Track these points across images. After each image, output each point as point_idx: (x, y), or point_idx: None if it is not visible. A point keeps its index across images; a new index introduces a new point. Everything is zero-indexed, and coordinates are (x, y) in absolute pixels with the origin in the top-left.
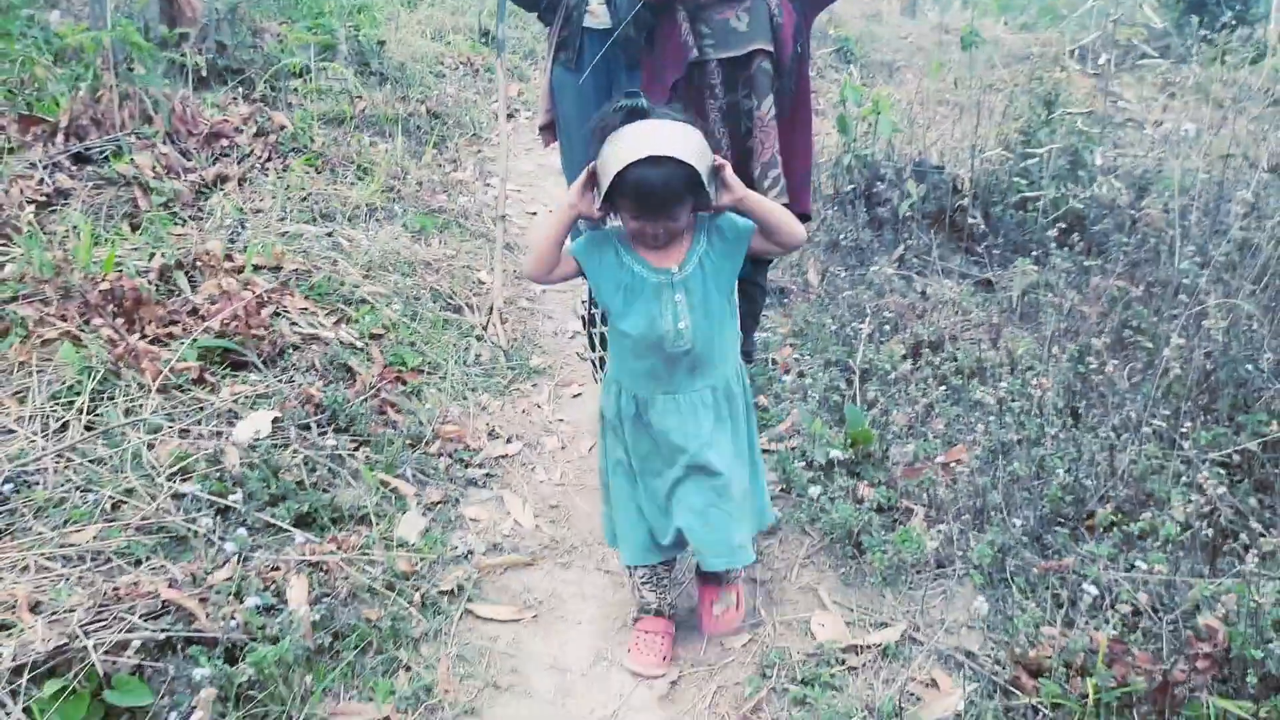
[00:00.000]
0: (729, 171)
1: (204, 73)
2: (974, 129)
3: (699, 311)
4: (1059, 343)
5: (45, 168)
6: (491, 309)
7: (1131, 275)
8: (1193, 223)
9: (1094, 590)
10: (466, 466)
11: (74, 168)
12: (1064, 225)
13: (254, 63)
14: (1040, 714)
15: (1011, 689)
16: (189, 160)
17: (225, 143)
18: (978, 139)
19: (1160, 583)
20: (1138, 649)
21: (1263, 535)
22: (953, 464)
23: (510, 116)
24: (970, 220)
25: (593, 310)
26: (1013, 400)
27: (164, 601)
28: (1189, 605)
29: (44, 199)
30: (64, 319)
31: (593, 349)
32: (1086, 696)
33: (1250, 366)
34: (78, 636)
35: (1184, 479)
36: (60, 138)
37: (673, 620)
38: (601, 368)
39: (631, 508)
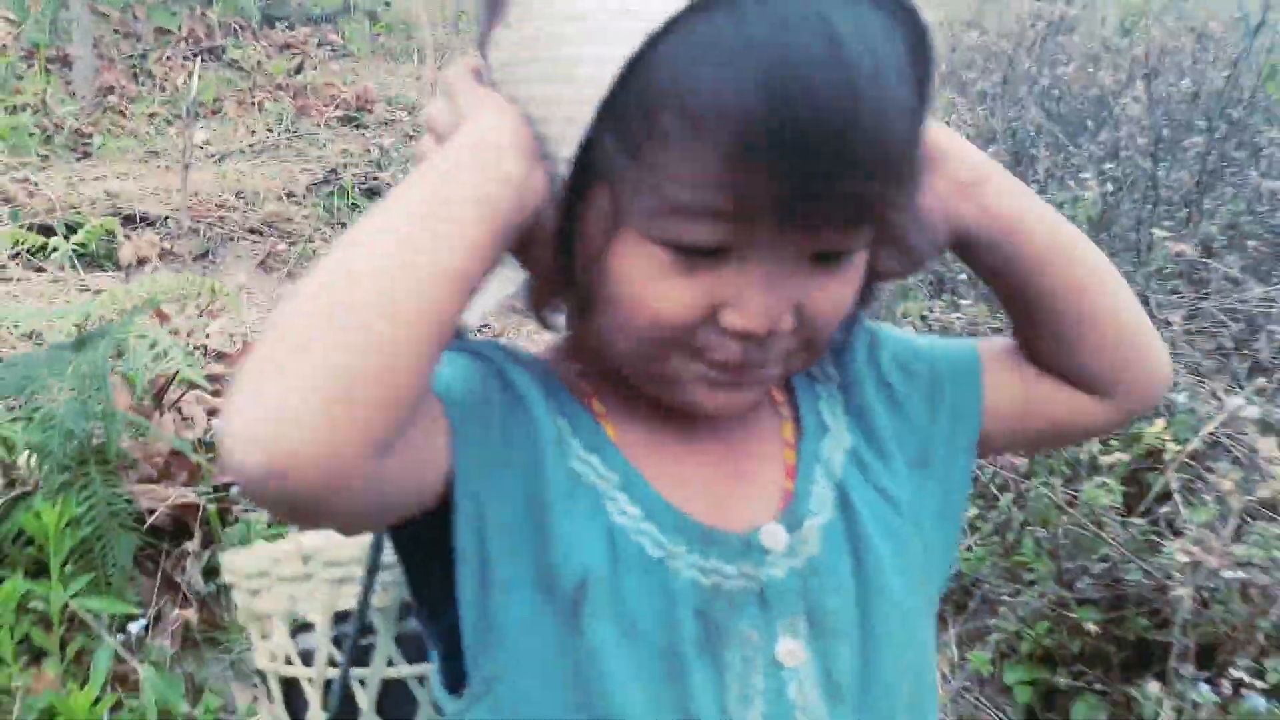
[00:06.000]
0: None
1: (257, 18)
2: None
3: (853, 694)
4: None
5: (183, 57)
6: None
7: None
8: None
9: None
10: None
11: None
12: None
13: (290, 14)
14: None
15: None
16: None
17: (294, 49)
18: None
19: None
20: None
21: None
22: None
23: None
24: None
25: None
26: None
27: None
28: None
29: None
30: (258, 94)
31: None
32: None
33: None
34: (334, 170)
35: None
36: (184, 43)
37: None
38: None
39: None
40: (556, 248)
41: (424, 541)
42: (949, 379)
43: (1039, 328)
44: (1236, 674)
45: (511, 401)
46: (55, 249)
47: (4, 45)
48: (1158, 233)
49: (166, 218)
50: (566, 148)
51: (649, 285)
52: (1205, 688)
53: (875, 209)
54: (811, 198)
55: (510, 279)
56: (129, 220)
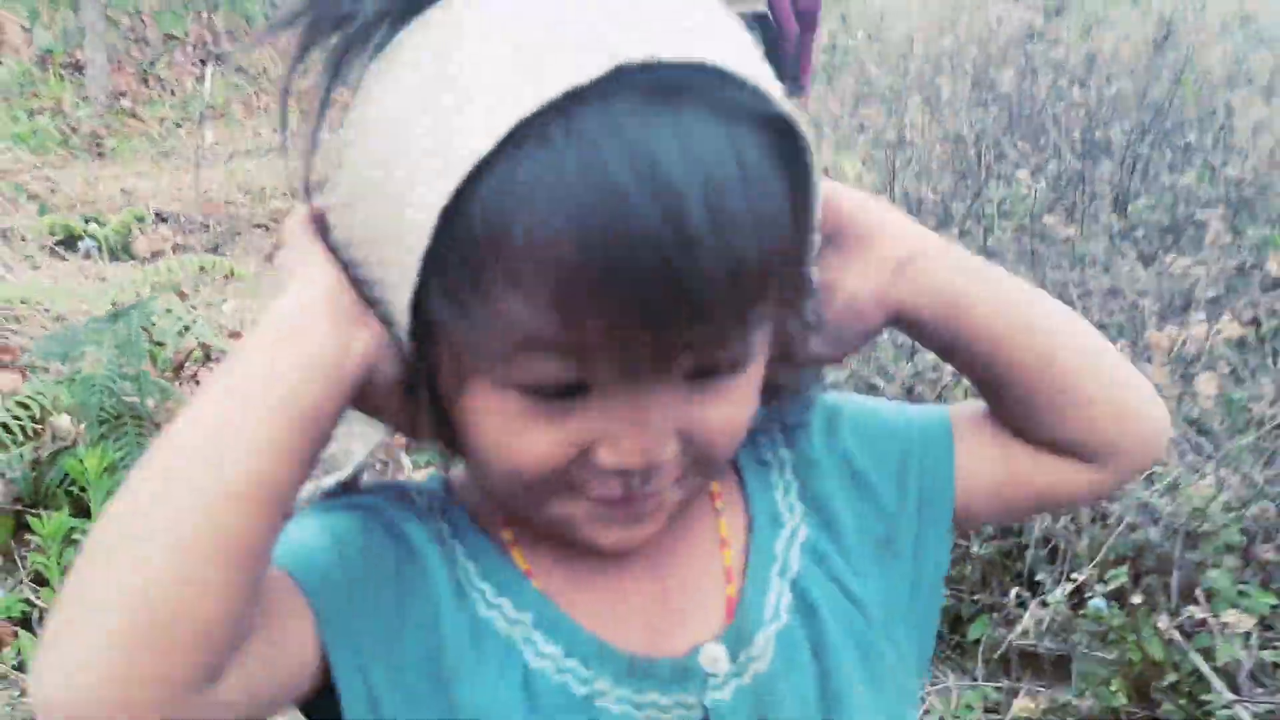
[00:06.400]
0: (840, 195)
1: (261, 26)
2: None
3: None
4: None
5: (191, 63)
6: None
7: None
8: None
9: None
10: None
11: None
12: None
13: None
14: None
15: None
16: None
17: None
18: None
19: None
20: None
21: None
22: None
23: None
24: None
25: None
26: None
27: None
28: None
29: (198, 75)
30: (263, 97)
31: None
32: None
33: None
34: None
35: None
36: (190, 48)
37: None
38: None
39: None
40: (404, 402)
41: (321, 706)
42: (918, 456)
43: (1011, 403)
44: (1080, 578)
45: (403, 556)
46: (91, 236)
47: (17, 50)
48: (1049, 219)
49: (179, 215)
50: (400, 299)
51: (508, 434)
52: (1059, 591)
53: (730, 330)
54: (651, 331)
55: (373, 429)
56: (140, 219)
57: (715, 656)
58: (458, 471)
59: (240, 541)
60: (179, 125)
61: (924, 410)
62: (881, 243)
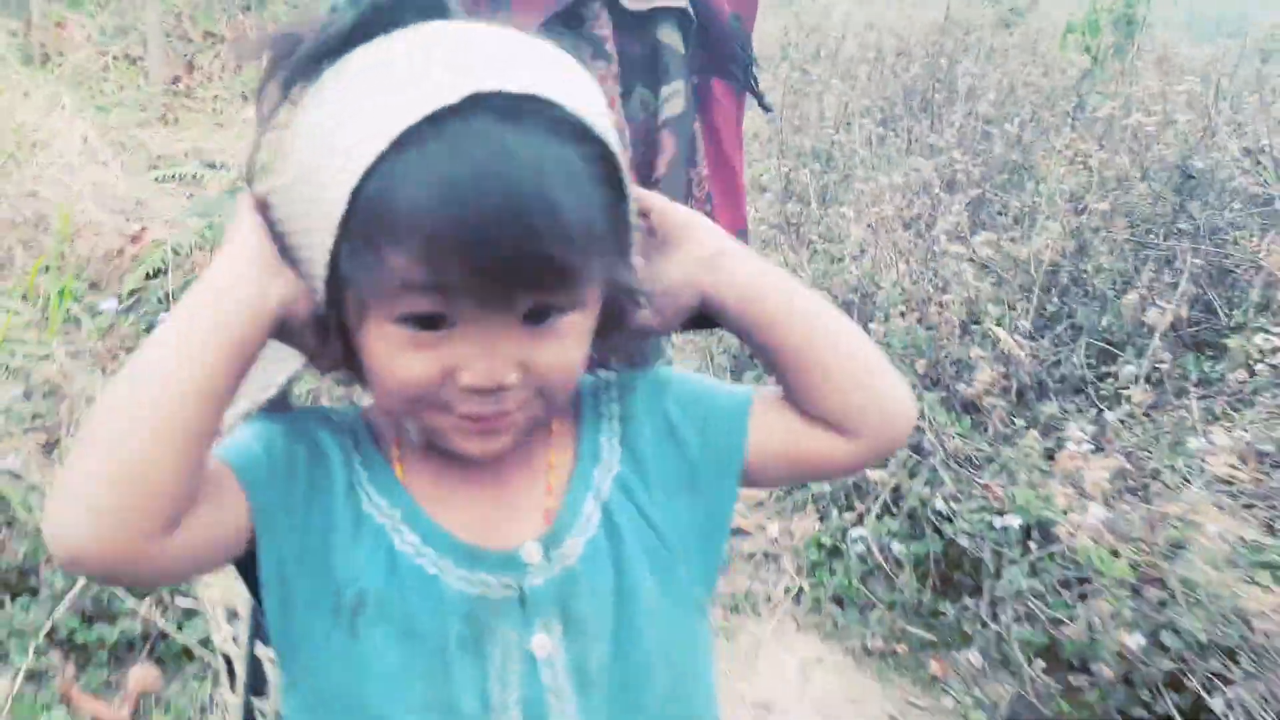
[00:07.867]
0: (661, 202)
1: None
2: None
3: (606, 683)
4: None
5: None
6: None
7: None
8: None
9: None
10: None
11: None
12: None
13: None
14: None
15: None
16: None
17: None
18: None
19: None
20: None
21: None
22: None
23: None
24: None
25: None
26: None
27: None
28: None
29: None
30: None
31: None
32: None
33: None
34: None
35: None
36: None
37: None
38: None
39: None
40: (320, 336)
41: (250, 566)
42: (722, 416)
43: (788, 379)
44: None
45: (316, 460)
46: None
47: (79, 47)
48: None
49: (239, 166)
50: (319, 258)
51: (393, 359)
52: None
53: (552, 283)
54: (493, 277)
55: (294, 357)
56: (211, 166)
57: (532, 551)
58: (368, 404)
59: (187, 427)
60: (227, 103)
61: (735, 387)
62: (693, 242)
